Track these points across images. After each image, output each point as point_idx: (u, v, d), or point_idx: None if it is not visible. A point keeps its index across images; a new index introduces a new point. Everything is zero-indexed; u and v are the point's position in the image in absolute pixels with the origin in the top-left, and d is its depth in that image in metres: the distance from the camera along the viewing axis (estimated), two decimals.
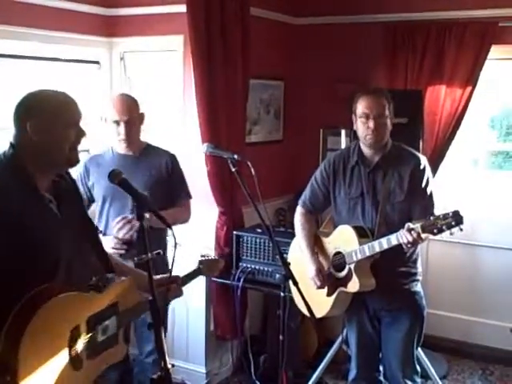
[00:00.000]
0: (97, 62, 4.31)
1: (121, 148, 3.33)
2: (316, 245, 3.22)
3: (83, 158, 3.15)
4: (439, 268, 4.80)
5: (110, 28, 4.26)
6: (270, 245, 3.85)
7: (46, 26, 3.76)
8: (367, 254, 2.91)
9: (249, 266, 4.00)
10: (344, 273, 3.04)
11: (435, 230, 2.67)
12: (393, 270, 3.02)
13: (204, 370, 4.19)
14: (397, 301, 3.09)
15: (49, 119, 2.04)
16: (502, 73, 4.76)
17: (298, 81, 5.03)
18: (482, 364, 4.63)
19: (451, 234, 2.66)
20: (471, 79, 4.38)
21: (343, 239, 3.04)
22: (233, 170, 2.97)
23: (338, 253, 3.08)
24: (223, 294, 4.13)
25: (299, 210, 3.33)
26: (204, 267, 2.80)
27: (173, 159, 3.41)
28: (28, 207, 1.99)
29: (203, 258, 2.83)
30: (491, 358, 4.68)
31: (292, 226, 4.19)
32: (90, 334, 2.02)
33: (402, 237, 2.77)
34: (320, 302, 3.12)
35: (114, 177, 2.19)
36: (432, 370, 3.98)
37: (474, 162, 5.09)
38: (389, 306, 3.10)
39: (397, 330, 3.10)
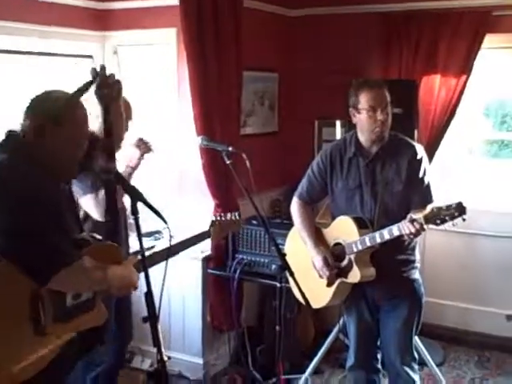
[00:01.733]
0: (90, 56, 4.31)
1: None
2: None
3: None
4: (436, 256, 4.81)
5: (103, 22, 4.26)
6: (266, 236, 3.87)
7: (39, 20, 3.75)
8: (368, 244, 2.92)
9: (245, 257, 4.02)
10: (344, 263, 3.04)
11: (438, 221, 2.67)
12: (392, 258, 3.03)
13: (201, 362, 4.21)
14: (396, 289, 3.09)
15: (74, 132, 2.06)
16: (496, 62, 4.76)
17: (292, 72, 5.03)
18: (478, 351, 4.66)
19: (454, 224, 2.66)
20: (466, 68, 4.38)
21: (343, 230, 3.04)
22: (227, 162, 2.98)
23: (338, 244, 3.08)
24: (220, 286, 4.15)
25: (296, 201, 3.33)
26: (216, 228, 2.85)
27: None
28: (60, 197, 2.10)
29: (217, 219, 2.86)
30: (487, 345, 4.71)
31: (288, 217, 4.21)
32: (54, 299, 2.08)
33: (404, 228, 2.77)
34: (319, 293, 3.12)
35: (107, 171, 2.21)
36: (428, 357, 4.01)
37: (469, 150, 5.10)
38: (388, 294, 3.11)
39: (396, 318, 3.11)
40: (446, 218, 2.65)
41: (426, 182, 3.00)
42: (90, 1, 4.14)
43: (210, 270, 4.14)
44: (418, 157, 3.00)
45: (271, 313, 3.95)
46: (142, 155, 3.34)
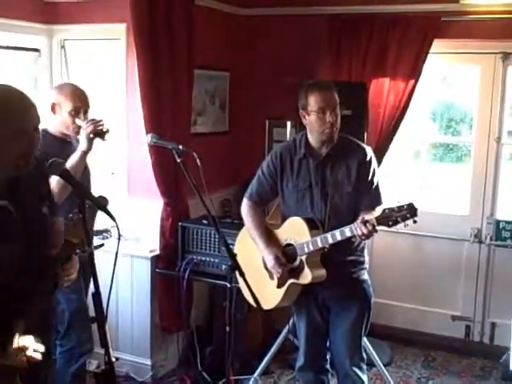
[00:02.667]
0: (37, 50, 4.19)
1: (72, 132, 3.25)
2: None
3: None
4: (383, 257, 4.88)
5: (50, 14, 4.15)
6: (216, 236, 3.83)
7: None
8: (319, 245, 2.91)
9: (194, 257, 3.97)
10: (295, 264, 3.02)
11: (390, 223, 2.69)
12: (342, 259, 3.04)
13: (149, 363, 4.15)
14: (345, 289, 3.11)
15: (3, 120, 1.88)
16: (443, 66, 4.86)
17: (243, 72, 5.01)
18: (424, 351, 4.74)
19: (406, 225, 2.69)
20: (414, 72, 4.44)
21: (294, 231, 3.03)
22: (178, 160, 2.94)
23: (289, 244, 3.07)
24: (168, 286, 4.08)
25: (246, 202, 3.30)
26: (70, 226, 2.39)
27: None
28: None
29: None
30: (434, 345, 4.80)
31: (238, 217, 4.18)
32: None
33: (356, 229, 2.78)
34: (269, 294, 3.11)
35: (55, 168, 2.13)
36: (376, 358, 4.04)
37: (415, 154, 5.19)
38: (337, 295, 3.11)
39: (345, 318, 3.12)
40: (398, 219, 2.68)
41: (375, 184, 3.03)
42: None
43: (158, 270, 4.07)
44: (368, 158, 3.03)
45: (221, 313, 3.91)
46: (90, 136, 3.16)
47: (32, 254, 2.06)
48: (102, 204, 2.21)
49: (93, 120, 3.20)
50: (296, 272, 3.03)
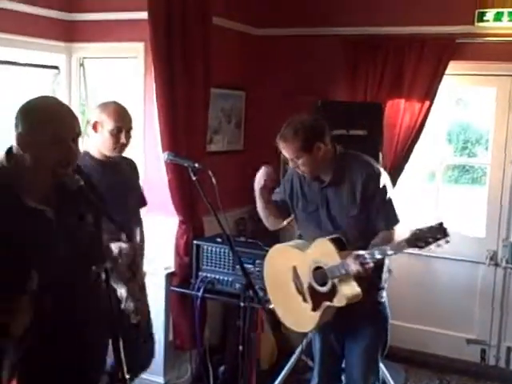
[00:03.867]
0: (56, 67, 4.25)
1: (110, 153, 3.18)
2: (291, 257, 3.08)
3: None
4: (397, 279, 4.83)
5: (70, 33, 4.21)
6: (230, 254, 3.83)
7: (5, 28, 3.69)
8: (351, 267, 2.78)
9: (208, 275, 3.96)
10: (327, 288, 2.89)
11: (422, 244, 2.55)
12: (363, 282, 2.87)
13: (162, 381, 4.13)
14: (360, 313, 3.00)
15: (33, 133, 1.95)
16: (459, 88, 4.86)
17: (259, 91, 5.04)
18: (438, 374, 4.68)
19: (438, 245, 2.54)
20: (430, 94, 4.45)
21: (322, 253, 2.89)
22: (193, 178, 2.96)
23: (319, 267, 2.93)
24: (182, 304, 4.08)
25: None
26: None
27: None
28: (18, 225, 1.91)
29: None
30: (448, 368, 4.73)
31: (252, 236, 4.20)
32: None
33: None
34: (305, 317, 3.00)
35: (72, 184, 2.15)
36: (390, 380, 4.00)
37: (431, 175, 5.17)
38: (352, 318, 3.03)
39: (360, 341, 3.08)
40: (429, 240, 2.53)
41: (385, 201, 2.93)
42: (58, 11, 4.09)
43: (173, 288, 4.07)
44: (374, 175, 2.93)
45: (234, 332, 3.89)
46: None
47: (75, 264, 2.09)
48: (117, 222, 2.23)
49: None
50: (330, 295, 2.88)
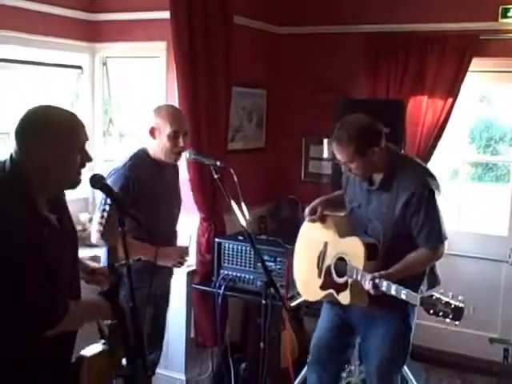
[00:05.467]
0: (79, 67, 4.29)
1: (169, 158, 3.19)
2: (329, 234, 3.12)
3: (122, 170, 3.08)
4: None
5: (93, 33, 4.25)
6: (252, 252, 3.84)
7: (29, 29, 3.74)
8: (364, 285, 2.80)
9: (230, 273, 3.98)
10: (341, 281, 2.96)
11: (431, 311, 2.54)
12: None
13: (184, 378, 4.15)
14: (385, 318, 3.02)
15: (54, 144, 1.95)
16: (482, 85, 4.82)
17: (280, 89, 5.05)
18: (460, 373, 4.65)
19: (443, 321, 2.52)
20: (452, 91, 4.42)
21: (352, 251, 2.92)
22: (215, 176, 2.97)
23: (342, 258, 2.99)
24: (204, 302, 4.11)
25: None
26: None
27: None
28: (41, 236, 1.92)
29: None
30: (470, 368, 4.70)
31: (273, 234, 4.21)
32: None
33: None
34: (314, 290, 3.16)
35: (95, 182, 2.18)
36: (412, 379, 3.99)
37: (454, 173, 5.13)
38: (375, 321, 3.05)
39: (376, 352, 3.07)
40: (440, 313, 2.52)
41: (430, 221, 2.84)
42: (81, 12, 4.13)
43: (194, 285, 4.10)
44: (419, 194, 2.82)
45: (255, 330, 3.90)
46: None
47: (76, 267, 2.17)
48: (139, 220, 2.26)
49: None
50: (340, 287, 2.97)
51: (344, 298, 2.96)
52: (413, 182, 2.86)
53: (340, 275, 2.98)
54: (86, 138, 2.06)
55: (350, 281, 2.90)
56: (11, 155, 1.97)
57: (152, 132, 3.12)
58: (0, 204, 1.88)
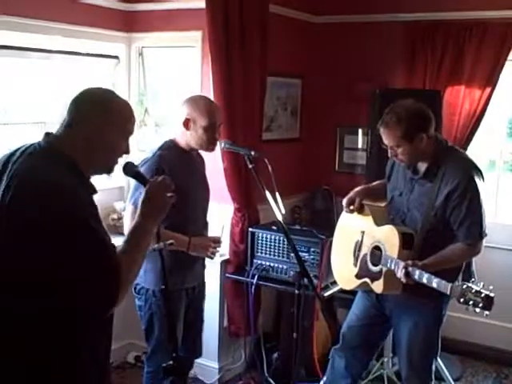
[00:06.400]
0: (116, 57, 4.33)
1: (207, 149, 3.19)
2: (367, 223, 3.11)
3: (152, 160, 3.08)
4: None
5: (129, 23, 4.29)
6: (285, 242, 3.84)
7: (66, 19, 3.79)
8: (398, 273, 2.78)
9: (263, 262, 3.99)
10: (376, 269, 2.96)
11: (461, 300, 2.53)
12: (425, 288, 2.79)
13: (217, 366, 4.20)
14: (415, 309, 3.01)
15: (109, 124, 1.97)
16: None
17: (315, 79, 5.02)
18: (496, 367, 4.59)
19: (473, 311, 2.51)
20: (491, 80, 4.35)
21: (388, 241, 2.92)
22: (250, 166, 2.98)
23: (378, 247, 2.98)
24: (237, 291, 4.13)
25: None
26: None
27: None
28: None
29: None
30: (506, 362, 4.64)
31: (307, 224, 4.21)
32: None
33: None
34: (349, 278, 3.17)
35: (128, 169, 2.21)
36: (446, 372, 3.96)
37: (491, 164, 5.05)
38: (405, 306, 3.04)
39: (407, 331, 3.06)
40: (470, 302, 2.50)
41: (471, 216, 2.81)
42: (118, 2, 4.17)
43: (228, 275, 4.13)
44: (462, 187, 2.79)
45: (288, 319, 3.92)
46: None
47: None
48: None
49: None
50: (374, 276, 2.98)
51: (377, 286, 2.96)
52: (457, 174, 2.82)
53: (375, 264, 2.99)
54: (133, 130, 2.08)
55: (384, 269, 2.90)
56: (48, 134, 1.96)
57: (186, 123, 3.09)
58: (53, 173, 1.83)
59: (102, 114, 1.96)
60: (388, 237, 2.93)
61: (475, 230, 2.83)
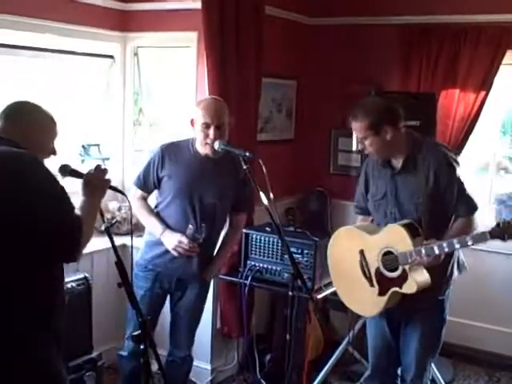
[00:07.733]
0: (111, 57, 4.32)
1: (204, 149, 3.22)
2: (359, 241, 3.07)
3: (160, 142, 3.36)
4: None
5: (125, 22, 4.27)
6: (279, 243, 3.84)
7: (61, 18, 3.78)
8: (424, 256, 2.77)
9: (257, 264, 3.98)
10: (397, 273, 2.88)
11: (506, 236, 2.54)
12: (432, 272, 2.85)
13: (209, 367, 4.19)
14: (422, 311, 3.03)
15: (44, 125, 2.31)
16: None
17: (310, 81, 5.02)
18: (488, 370, 4.59)
19: None
20: (485, 84, 4.36)
21: (394, 239, 2.88)
22: (244, 167, 2.98)
23: (389, 252, 2.92)
24: (231, 292, 4.12)
25: (356, 216, 3.34)
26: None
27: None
28: None
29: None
30: (498, 365, 4.64)
31: (301, 226, 4.20)
32: None
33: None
34: (371, 301, 3.01)
35: (64, 171, 2.37)
36: (438, 375, 3.96)
37: (484, 166, 5.06)
38: (413, 315, 3.07)
39: (416, 339, 3.08)
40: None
41: (464, 190, 2.90)
42: (114, 1, 4.15)
43: (221, 276, 4.11)
44: (447, 163, 2.89)
45: (281, 321, 3.91)
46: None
47: None
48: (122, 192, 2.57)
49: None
50: (399, 281, 2.88)
51: (410, 287, 2.84)
52: (435, 157, 2.92)
53: (393, 269, 2.90)
54: (56, 135, 2.35)
55: (406, 268, 2.83)
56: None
57: (191, 122, 3.22)
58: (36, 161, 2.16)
59: (36, 117, 2.31)
60: (393, 236, 2.89)
61: (472, 202, 2.93)
